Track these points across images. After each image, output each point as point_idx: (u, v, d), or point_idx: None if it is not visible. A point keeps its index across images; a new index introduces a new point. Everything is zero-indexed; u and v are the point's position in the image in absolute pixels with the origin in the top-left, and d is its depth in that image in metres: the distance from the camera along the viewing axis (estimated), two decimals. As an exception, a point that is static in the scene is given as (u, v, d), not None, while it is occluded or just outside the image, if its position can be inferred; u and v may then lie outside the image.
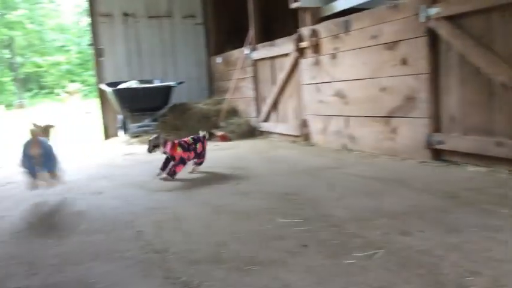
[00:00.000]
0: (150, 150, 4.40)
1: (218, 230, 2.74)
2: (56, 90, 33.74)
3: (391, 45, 4.77)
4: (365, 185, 3.74)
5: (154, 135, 4.51)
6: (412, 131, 4.65)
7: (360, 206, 3.09)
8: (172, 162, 4.40)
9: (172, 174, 4.37)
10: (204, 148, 4.66)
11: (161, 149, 4.38)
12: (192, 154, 4.53)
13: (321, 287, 1.87)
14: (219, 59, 9.44)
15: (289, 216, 2.94)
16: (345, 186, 3.71)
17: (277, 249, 2.33)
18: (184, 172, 4.49)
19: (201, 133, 4.75)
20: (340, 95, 5.66)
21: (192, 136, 4.70)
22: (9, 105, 26.71)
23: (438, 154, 4.43)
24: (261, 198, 3.48)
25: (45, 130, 4.15)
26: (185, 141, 4.54)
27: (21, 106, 24.38)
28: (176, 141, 4.48)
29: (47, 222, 3.11)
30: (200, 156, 4.65)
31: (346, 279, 1.94)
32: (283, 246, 2.37)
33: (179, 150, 4.40)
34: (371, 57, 5.07)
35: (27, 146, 3.72)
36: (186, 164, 4.50)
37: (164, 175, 4.42)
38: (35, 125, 4.00)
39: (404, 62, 4.64)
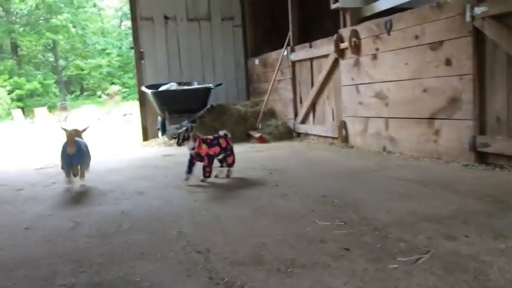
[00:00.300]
0: (179, 144, 4.32)
1: (258, 232, 2.74)
2: (97, 93, 34.72)
3: (435, 45, 4.67)
4: (407, 188, 3.67)
5: (184, 128, 4.40)
6: (456, 133, 4.52)
7: (403, 209, 3.03)
8: (202, 164, 4.33)
9: (208, 175, 4.36)
10: (228, 144, 4.51)
11: (190, 143, 4.27)
12: (217, 149, 4.39)
13: (365, 292, 1.84)
14: (256, 61, 9.47)
15: (330, 219, 2.91)
16: (386, 190, 3.64)
17: (319, 252, 2.31)
18: (222, 174, 4.50)
19: (221, 132, 4.61)
20: (380, 96, 5.57)
21: (212, 135, 4.61)
22: (52, 107, 27.65)
23: (483, 157, 4.30)
24: (300, 201, 3.47)
25: (79, 132, 4.56)
26: (208, 138, 4.46)
27: (63, 108, 25.15)
28: (201, 138, 4.37)
29: (91, 221, 3.18)
30: (227, 153, 4.48)
31: (390, 284, 1.90)
32: (324, 249, 2.35)
33: (204, 147, 4.31)
34: (413, 58, 4.97)
35: (65, 146, 4.30)
36: (214, 160, 4.40)
37: (202, 179, 4.35)
38: (66, 129, 4.42)
39: (448, 62, 4.53)
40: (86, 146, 4.56)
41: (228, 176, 4.55)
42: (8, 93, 28.83)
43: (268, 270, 2.13)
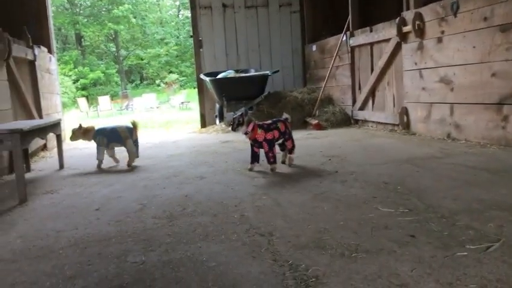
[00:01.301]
0: (234, 128, 4.21)
1: (319, 217, 2.74)
2: (156, 81, 35.66)
3: (505, 27, 4.43)
4: (475, 175, 3.53)
5: (239, 113, 4.28)
6: (528, 119, 4.29)
7: (471, 197, 2.92)
8: (263, 151, 4.24)
9: (273, 161, 4.23)
10: (287, 128, 4.37)
11: (243, 128, 4.16)
12: (276, 133, 4.25)
13: (434, 278, 1.80)
14: (314, 47, 9.37)
15: (392, 205, 2.86)
16: (452, 177, 3.52)
17: (383, 238, 2.28)
18: (279, 160, 4.45)
19: (284, 115, 4.51)
20: (445, 81, 5.37)
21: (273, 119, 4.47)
22: (114, 96, 28.73)
23: (558, 144, 4.06)
24: (360, 187, 3.42)
25: (134, 124, 5.07)
26: (265, 123, 4.33)
27: (125, 96, 26.05)
28: (257, 124, 4.25)
29: (157, 204, 3.30)
30: (286, 137, 4.36)
31: (459, 272, 1.85)
32: (389, 236, 2.32)
33: (259, 132, 4.18)
34: (482, 41, 4.74)
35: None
36: (275, 144, 4.30)
37: (271, 167, 4.25)
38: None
39: (520, 44, 4.28)
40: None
41: (289, 164, 4.47)
42: (73, 83, 30.23)
43: (331, 254, 2.12)
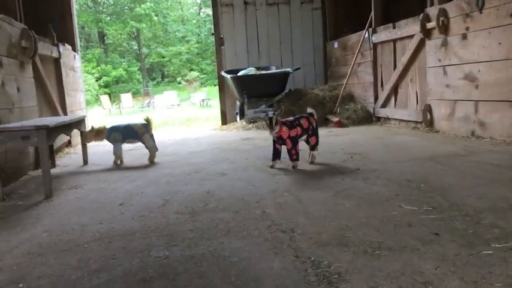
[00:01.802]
0: (272, 128, 4.12)
1: (341, 214, 2.73)
2: (177, 79, 35.92)
3: (533, 22, 4.33)
4: (500, 174, 3.47)
5: (271, 113, 4.21)
6: (556, 116, 4.19)
7: (496, 195, 2.87)
8: (286, 148, 4.21)
9: (295, 158, 4.21)
10: (310, 124, 4.32)
11: (276, 128, 4.13)
12: (299, 130, 4.21)
13: (458, 276, 1.78)
14: (335, 44, 9.31)
15: (416, 203, 2.83)
16: (477, 175, 3.47)
17: (407, 236, 2.26)
18: (303, 158, 4.42)
19: (309, 110, 4.46)
20: (469, 78, 5.28)
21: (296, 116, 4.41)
22: (136, 93, 29.05)
23: None
24: (383, 185, 3.40)
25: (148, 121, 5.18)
26: (287, 120, 4.27)
27: (147, 94, 26.32)
28: (280, 121, 4.18)
29: (179, 199, 3.33)
30: (310, 134, 4.32)
31: (484, 270, 1.82)
32: (412, 234, 2.30)
33: (284, 129, 4.15)
34: (508, 37, 4.65)
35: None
36: (298, 142, 4.24)
37: (292, 164, 4.23)
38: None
39: (547, 40, 4.18)
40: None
41: (311, 161, 4.43)
42: (96, 80, 30.67)
43: (354, 251, 2.12)
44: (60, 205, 3.43)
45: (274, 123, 4.12)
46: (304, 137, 4.34)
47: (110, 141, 5.13)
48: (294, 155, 4.22)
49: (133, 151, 5.92)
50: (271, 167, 4.37)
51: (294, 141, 4.21)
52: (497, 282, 1.72)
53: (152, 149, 5.13)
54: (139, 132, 5.06)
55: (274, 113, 4.21)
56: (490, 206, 2.68)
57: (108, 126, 5.27)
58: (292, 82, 9.23)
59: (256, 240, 2.36)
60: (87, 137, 5.18)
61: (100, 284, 1.96)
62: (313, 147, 4.43)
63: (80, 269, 2.13)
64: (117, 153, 5.13)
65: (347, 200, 3.05)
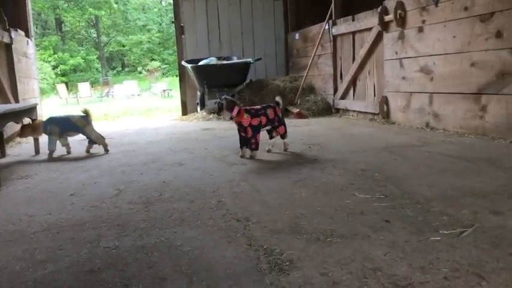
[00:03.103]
0: (218, 113, 4.22)
1: (296, 203, 2.73)
2: (137, 69, 35.24)
3: (485, 17, 4.47)
4: (451, 163, 3.57)
5: (223, 97, 4.19)
6: (505, 109, 4.35)
7: (446, 184, 2.95)
8: (246, 137, 4.18)
9: (255, 147, 4.18)
10: (276, 114, 4.30)
11: (227, 113, 4.12)
12: (264, 119, 4.18)
13: (407, 262, 1.81)
14: (297, 35, 9.34)
15: (369, 192, 2.87)
16: (429, 165, 3.56)
17: (359, 224, 2.29)
18: (264, 147, 4.40)
19: (277, 98, 4.44)
20: (425, 70, 5.40)
21: (262, 105, 4.41)
22: (95, 83, 28.32)
23: (533, 134, 4.12)
24: (339, 174, 3.43)
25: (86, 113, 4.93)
26: (252, 108, 4.26)
27: (106, 83, 25.69)
28: (243, 108, 4.19)
29: (134, 189, 3.26)
30: (276, 124, 4.32)
31: (432, 256, 1.86)
32: (364, 221, 2.33)
33: (246, 117, 4.10)
34: (462, 30, 4.78)
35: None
36: (260, 131, 4.22)
37: (250, 154, 4.22)
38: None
39: (499, 35, 4.33)
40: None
41: (285, 149, 4.44)
42: (53, 69, 29.68)
43: (307, 239, 2.12)
44: (8, 195, 3.30)
45: (218, 108, 4.11)
46: (269, 127, 4.32)
47: (46, 134, 4.89)
48: (252, 144, 4.19)
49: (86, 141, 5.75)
50: (242, 156, 4.28)
51: (255, 130, 4.16)
52: (444, 268, 1.76)
53: (99, 138, 4.95)
54: (80, 125, 4.85)
55: (226, 98, 4.15)
56: (440, 194, 2.74)
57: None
58: (254, 73, 9.21)
59: (210, 229, 2.34)
60: (23, 132, 4.92)
61: (45, 274, 1.88)
62: (283, 136, 4.43)
63: (25, 260, 2.04)
64: (52, 149, 4.88)
65: (303, 189, 3.06)
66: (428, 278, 1.68)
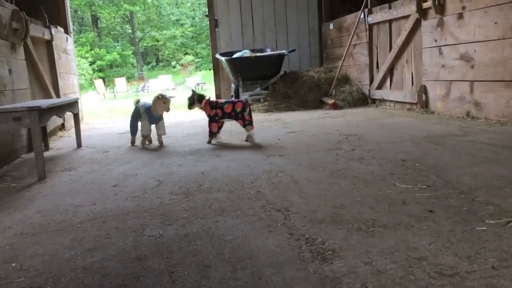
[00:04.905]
0: (188, 107, 4.86)
1: (336, 193, 2.72)
2: (171, 63, 35.66)
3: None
4: (494, 153, 3.47)
5: (192, 93, 4.85)
6: (551, 96, 4.18)
7: (491, 174, 2.87)
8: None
9: (209, 134, 4.81)
10: (234, 110, 4.66)
11: (198, 105, 4.77)
12: (219, 112, 4.70)
13: (452, 252, 1.78)
14: (331, 25, 9.24)
15: (410, 182, 2.83)
16: (472, 154, 3.47)
17: (401, 214, 2.26)
18: (296, 139, 4.42)
19: (244, 97, 5.04)
20: (465, 58, 5.25)
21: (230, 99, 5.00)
22: (130, 78, 28.85)
23: None
24: (378, 164, 3.39)
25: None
26: (213, 101, 4.82)
27: (141, 78, 26.14)
28: (208, 101, 4.76)
29: (174, 180, 3.32)
30: (234, 118, 4.69)
31: (478, 246, 1.82)
32: (407, 211, 2.29)
33: (208, 108, 4.73)
34: (504, 16, 4.61)
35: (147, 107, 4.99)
36: (216, 121, 4.74)
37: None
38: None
39: (544, 18, 4.15)
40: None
41: (246, 140, 4.78)
42: (90, 64, 30.40)
43: (348, 229, 2.11)
44: (54, 187, 3.41)
45: (190, 103, 4.85)
46: (227, 119, 4.78)
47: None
48: (208, 132, 4.83)
49: (126, 134, 5.88)
50: (208, 142, 4.86)
51: (211, 119, 4.77)
52: (492, 257, 1.72)
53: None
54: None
55: (195, 92, 4.85)
56: (484, 184, 2.68)
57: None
58: (288, 64, 9.18)
59: (251, 219, 2.36)
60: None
61: (93, 262, 1.95)
62: (244, 128, 4.73)
63: (74, 248, 2.12)
64: (145, 133, 5.02)
65: (342, 179, 3.04)
66: (476, 268, 1.64)
